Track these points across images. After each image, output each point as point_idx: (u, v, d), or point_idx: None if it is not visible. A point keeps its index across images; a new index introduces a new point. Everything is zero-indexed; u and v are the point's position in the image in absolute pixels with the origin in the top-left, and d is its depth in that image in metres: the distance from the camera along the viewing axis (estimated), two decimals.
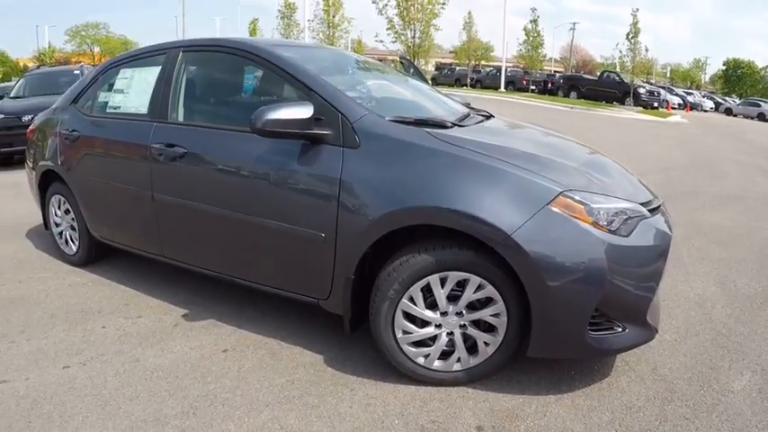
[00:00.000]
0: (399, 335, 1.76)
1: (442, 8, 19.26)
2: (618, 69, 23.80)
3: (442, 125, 1.89)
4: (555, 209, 1.56)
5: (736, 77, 53.45)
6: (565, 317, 1.59)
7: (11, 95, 7.71)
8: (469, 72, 30.84)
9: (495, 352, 1.75)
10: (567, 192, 1.59)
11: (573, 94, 22.74)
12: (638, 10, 20.94)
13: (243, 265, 2.14)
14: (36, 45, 45.25)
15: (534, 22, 26.44)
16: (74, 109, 2.83)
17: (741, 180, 6.36)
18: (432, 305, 1.72)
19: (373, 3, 19.42)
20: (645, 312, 1.66)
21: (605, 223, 1.59)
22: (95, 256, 2.97)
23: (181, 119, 2.26)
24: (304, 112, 1.74)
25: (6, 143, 6.72)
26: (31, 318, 2.41)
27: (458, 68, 32.60)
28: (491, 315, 1.70)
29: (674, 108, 23.34)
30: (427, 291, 1.71)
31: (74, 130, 2.71)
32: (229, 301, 2.50)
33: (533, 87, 25.95)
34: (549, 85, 24.89)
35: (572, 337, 1.62)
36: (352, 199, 1.73)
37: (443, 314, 1.73)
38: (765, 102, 31.29)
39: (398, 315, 1.73)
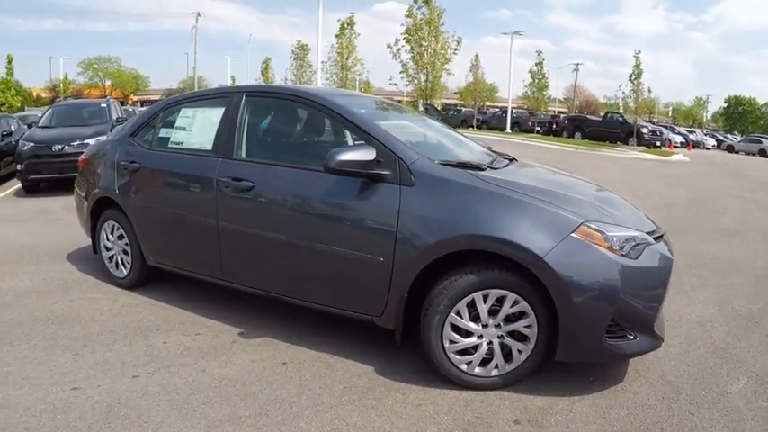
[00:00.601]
0: (447, 344, 2.14)
1: (454, 53, 20.54)
2: (621, 110, 24.99)
3: (479, 168, 2.38)
4: (577, 236, 2.01)
5: (737, 114, 55.34)
6: (586, 327, 2.00)
7: (39, 125, 8.24)
8: (475, 113, 32.60)
9: (527, 358, 2.14)
10: (586, 222, 2.04)
11: (577, 134, 23.81)
12: (639, 52, 22.34)
13: (303, 286, 2.51)
14: (49, 75, 47.17)
15: (539, 64, 28.02)
16: (132, 142, 3.25)
17: (740, 215, 6.87)
18: (475, 318, 2.11)
19: (388, 47, 20.68)
20: (652, 323, 2.08)
21: (618, 248, 2.04)
22: (145, 279, 3.33)
23: (247, 156, 2.69)
24: (368, 154, 2.19)
25: (36, 171, 7.17)
26: (90, 333, 2.71)
27: (464, 109, 34.34)
28: (524, 326, 2.10)
29: (676, 147, 24.33)
30: (471, 306, 2.11)
31: (134, 162, 3.13)
32: (280, 321, 2.83)
33: (538, 128, 27.17)
34: (554, 126, 26.11)
35: (592, 344, 2.02)
36: (409, 229, 2.15)
37: (484, 326, 2.12)
38: (766, 138, 32.63)
39: (447, 327, 2.12)
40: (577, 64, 48.48)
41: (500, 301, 2.09)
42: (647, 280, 2.05)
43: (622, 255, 2.02)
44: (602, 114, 28.50)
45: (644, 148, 20.71)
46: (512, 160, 2.88)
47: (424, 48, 20.10)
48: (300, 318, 2.85)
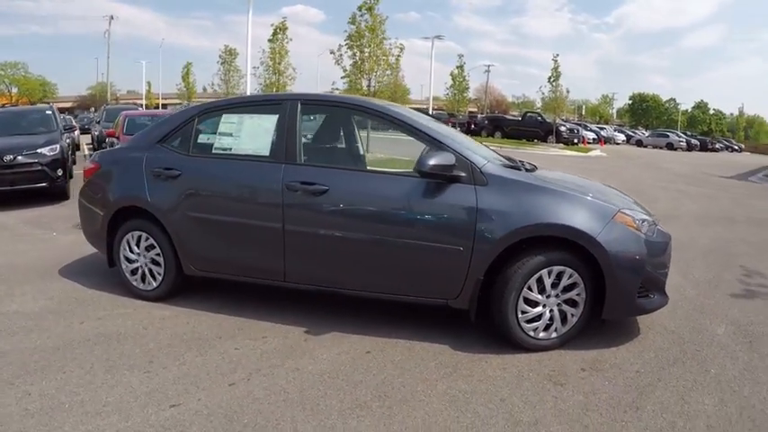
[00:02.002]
0: (519, 315, 2.52)
1: (397, 59, 21.04)
2: (539, 109, 26.82)
3: (528, 169, 2.78)
4: (616, 220, 2.53)
5: (641, 110, 62.54)
6: (625, 290, 2.51)
7: None
8: None
9: (578, 321, 2.61)
10: (621, 209, 2.58)
11: (497, 133, 25.08)
12: (558, 55, 24.81)
13: (379, 280, 2.69)
14: None
15: (460, 67, 29.68)
16: (164, 148, 3.07)
17: (671, 203, 8.05)
18: (541, 291, 2.54)
19: (331, 53, 20.99)
20: (664, 285, 2.70)
21: (642, 228, 2.61)
22: (177, 290, 3.16)
23: (312, 161, 2.77)
24: (450, 159, 2.47)
25: None
26: (147, 349, 2.58)
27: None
28: (576, 295, 2.57)
29: (589, 143, 26.43)
30: (539, 281, 2.52)
31: (170, 168, 2.97)
32: (335, 317, 2.95)
33: (458, 129, 28.94)
34: (473, 126, 27.23)
35: (628, 304, 2.56)
36: (487, 221, 2.47)
37: (548, 297, 2.55)
38: (672, 132, 36.86)
39: (520, 301, 2.51)
40: (489, 65, 51.62)
41: (558, 275, 2.51)
42: (660, 251, 2.65)
43: (644, 233, 2.57)
44: (520, 114, 30.30)
45: (563, 145, 22.78)
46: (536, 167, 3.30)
47: (367, 54, 20.32)
48: (351, 311, 3.01)
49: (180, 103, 32.80)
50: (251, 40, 20.44)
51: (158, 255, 3.09)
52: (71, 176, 7.33)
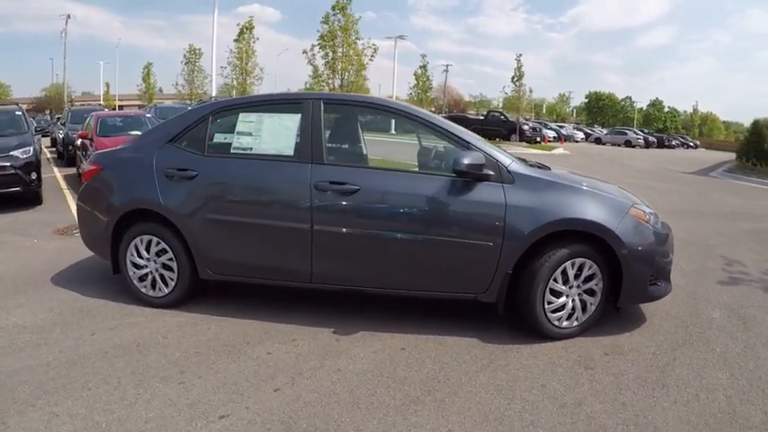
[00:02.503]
0: (546, 306, 2.66)
1: (370, 60, 21.33)
2: (501, 108, 27.58)
3: (547, 168, 2.91)
4: (630, 214, 2.72)
5: (597, 109, 64.30)
6: (639, 279, 2.70)
7: None
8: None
9: (596, 309, 2.78)
10: (634, 204, 2.77)
11: None
12: (521, 55, 25.45)
13: (409, 277, 2.72)
14: None
15: (424, 67, 29.93)
16: (175, 147, 2.92)
17: (643, 198, 8.52)
18: (564, 282, 2.67)
19: (304, 53, 20.94)
20: (669, 273, 2.93)
21: (650, 221, 2.82)
22: (189, 295, 3.02)
23: (339, 161, 2.75)
24: (480, 158, 2.56)
25: None
26: (174, 359, 2.47)
27: None
28: (594, 285, 2.73)
29: (550, 141, 27.21)
30: (562, 273, 2.65)
31: (185, 169, 2.83)
32: (360, 315, 2.95)
33: None
34: None
35: (641, 291, 2.75)
36: (515, 217, 2.57)
37: (570, 287, 2.70)
38: (630, 130, 36.66)
39: (547, 292, 2.63)
40: (447, 65, 52.22)
41: (580, 267, 2.66)
42: (664, 242, 2.88)
43: (653, 225, 2.78)
44: (479, 113, 30.66)
45: (526, 143, 23.36)
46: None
47: (339, 54, 20.29)
48: (373, 309, 3.03)
49: (141, 105, 31.71)
50: (210, 40, 19.79)
51: (171, 259, 2.94)
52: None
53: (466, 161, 2.50)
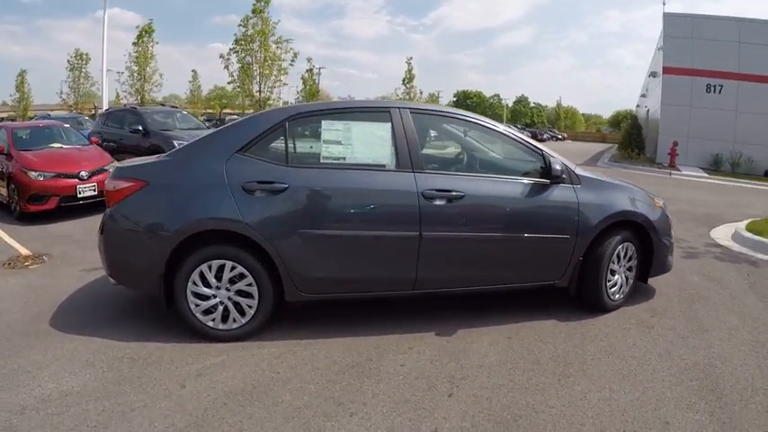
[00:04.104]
0: (608, 283, 3.16)
1: (290, 65, 21.05)
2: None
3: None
4: (656, 204, 3.38)
5: (467, 107, 67.12)
6: (663, 255, 3.43)
7: None
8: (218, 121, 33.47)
9: (633, 283, 3.38)
10: (656, 196, 3.45)
11: None
12: (411, 58, 27.68)
13: (505, 272, 2.99)
14: None
15: (310, 71, 29.39)
16: (249, 159, 2.66)
17: None
18: (617, 260, 3.21)
19: (221, 57, 20.26)
20: (672, 249, 3.67)
21: (665, 208, 3.51)
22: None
23: (440, 169, 2.89)
24: (563, 165, 2.99)
25: None
26: (311, 392, 2.26)
27: (227, 117, 32.73)
28: (633, 263, 3.33)
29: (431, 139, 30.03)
30: (617, 255, 3.18)
31: (271, 182, 2.56)
32: (435, 317, 3.07)
33: None
34: None
35: (664, 264, 3.49)
36: (585, 213, 3.05)
37: (620, 267, 3.24)
38: (504, 125, 42.02)
39: (608, 272, 3.13)
40: (320, 68, 51.84)
41: (626, 249, 3.22)
42: (669, 222, 3.60)
43: (665, 212, 3.48)
44: None
45: None
46: None
47: (258, 58, 19.76)
48: (437, 311, 3.19)
49: (11, 118, 28.03)
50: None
51: (250, 285, 2.59)
52: None
53: (558, 167, 2.92)
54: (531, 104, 72.93)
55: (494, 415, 2.11)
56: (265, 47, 19.38)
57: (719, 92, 16.30)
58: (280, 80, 20.37)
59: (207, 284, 2.62)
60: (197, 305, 2.63)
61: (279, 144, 2.74)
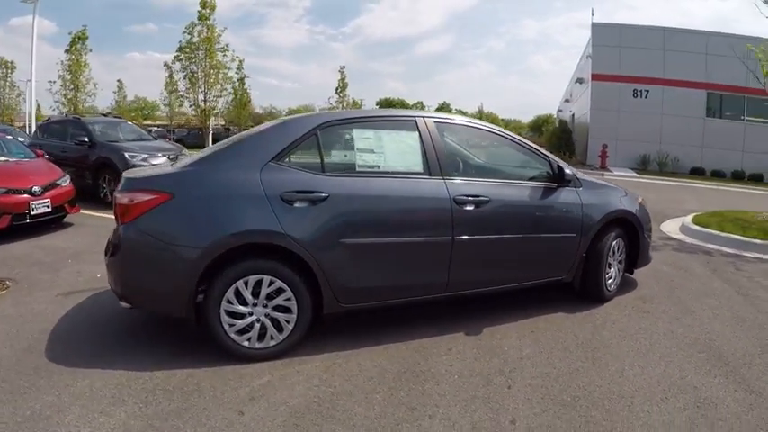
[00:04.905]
0: (606, 278, 3.48)
1: (236, 73, 20.94)
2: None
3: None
4: (639, 201, 3.84)
5: None
6: (647, 248, 3.88)
7: None
8: (172, 132, 31.74)
9: (621, 273, 3.75)
10: (637, 195, 3.88)
11: None
12: (344, 67, 27.27)
13: (524, 271, 3.22)
14: None
15: (242, 80, 28.80)
16: (284, 168, 2.63)
17: None
18: (612, 254, 3.55)
19: (165, 65, 20.43)
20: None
21: (645, 205, 3.95)
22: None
23: (466, 176, 3.06)
24: (571, 169, 3.26)
25: None
26: (392, 403, 2.23)
27: (154, 129, 30.85)
28: (623, 256, 3.72)
29: None
30: (612, 250, 3.53)
31: (311, 191, 2.53)
32: (460, 318, 3.20)
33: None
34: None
35: (646, 257, 3.93)
36: (587, 212, 3.40)
37: (614, 260, 3.61)
38: None
39: (607, 266, 3.45)
40: (245, 76, 50.62)
41: (618, 244, 3.61)
42: (649, 217, 4.06)
43: (644, 206, 3.94)
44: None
45: None
46: None
47: (204, 66, 19.10)
48: (457, 312, 3.34)
49: None
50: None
51: (289, 299, 2.49)
52: None
53: (569, 171, 3.24)
54: (454, 110, 77.48)
55: (555, 399, 2.29)
56: (210, 55, 18.90)
57: (645, 96, 18.11)
58: (225, 89, 19.99)
59: (242, 302, 2.53)
60: (231, 325, 2.52)
61: (312, 152, 2.74)
